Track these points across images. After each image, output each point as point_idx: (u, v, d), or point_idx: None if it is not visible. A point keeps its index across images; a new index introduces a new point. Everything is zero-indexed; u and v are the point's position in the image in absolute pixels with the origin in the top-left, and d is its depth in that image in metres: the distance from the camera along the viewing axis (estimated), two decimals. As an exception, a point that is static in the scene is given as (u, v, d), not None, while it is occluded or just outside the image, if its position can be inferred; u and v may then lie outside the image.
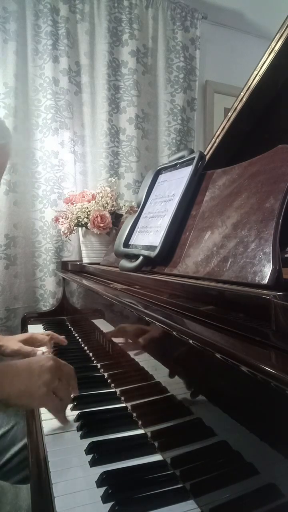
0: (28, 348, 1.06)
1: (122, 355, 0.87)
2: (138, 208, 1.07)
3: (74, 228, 1.46)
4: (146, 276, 0.81)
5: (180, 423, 0.58)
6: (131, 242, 1.00)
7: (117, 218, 1.41)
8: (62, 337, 1.19)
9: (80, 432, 0.67)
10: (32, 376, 0.67)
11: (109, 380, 0.91)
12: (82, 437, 0.66)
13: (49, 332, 1.19)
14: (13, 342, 1.07)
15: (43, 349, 1.11)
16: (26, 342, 1.09)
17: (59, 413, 0.70)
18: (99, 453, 0.60)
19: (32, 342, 1.11)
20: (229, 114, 1.12)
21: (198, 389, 0.54)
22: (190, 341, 0.48)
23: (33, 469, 0.61)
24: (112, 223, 1.39)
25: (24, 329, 1.60)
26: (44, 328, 1.51)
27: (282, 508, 0.36)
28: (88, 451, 0.62)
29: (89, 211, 1.39)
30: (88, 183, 1.93)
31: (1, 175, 0.92)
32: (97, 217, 1.36)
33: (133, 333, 0.82)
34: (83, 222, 1.40)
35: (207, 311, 0.52)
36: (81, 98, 1.90)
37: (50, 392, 0.68)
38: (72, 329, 1.49)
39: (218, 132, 1.16)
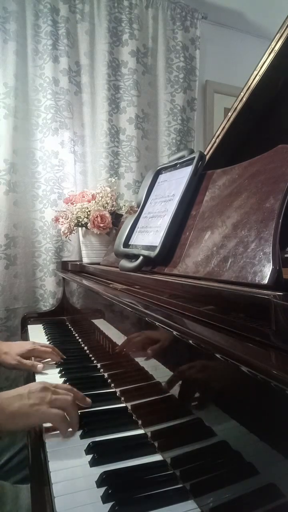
0: (27, 363, 1.01)
1: (122, 355, 0.87)
2: (138, 208, 1.07)
3: (74, 228, 1.46)
4: (146, 276, 0.81)
5: (180, 423, 0.58)
6: (131, 242, 1.00)
7: (117, 218, 1.41)
8: (58, 354, 1.09)
9: (80, 432, 0.67)
10: (22, 399, 0.65)
11: (109, 380, 0.91)
12: (82, 437, 0.66)
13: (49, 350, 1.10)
14: (11, 356, 1.03)
15: (46, 361, 1.06)
16: (27, 357, 1.04)
17: (62, 423, 0.66)
18: (99, 453, 0.60)
19: (34, 355, 1.06)
20: (229, 114, 1.12)
21: (198, 389, 0.54)
22: (190, 341, 0.48)
23: (33, 469, 0.61)
24: (112, 223, 1.38)
25: (24, 329, 1.60)
26: (44, 328, 1.52)
27: (282, 508, 0.36)
28: (88, 451, 0.62)
29: (89, 211, 1.39)
30: (88, 183, 1.93)
31: None
32: (97, 217, 1.36)
33: (133, 334, 0.82)
34: (83, 222, 1.40)
35: (207, 311, 0.52)
36: (81, 98, 1.89)
37: (44, 406, 0.65)
38: (72, 329, 1.49)
39: (218, 132, 1.16)
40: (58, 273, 1.77)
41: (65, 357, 1.09)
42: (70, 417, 0.67)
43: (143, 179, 1.16)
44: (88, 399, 0.76)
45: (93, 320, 1.17)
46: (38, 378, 0.97)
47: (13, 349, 1.05)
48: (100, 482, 0.54)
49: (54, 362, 1.07)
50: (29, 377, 1.00)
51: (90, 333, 1.22)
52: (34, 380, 0.96)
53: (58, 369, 1.01)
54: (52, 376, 0.97)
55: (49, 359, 1.07)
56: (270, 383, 0.34)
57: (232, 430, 0.45)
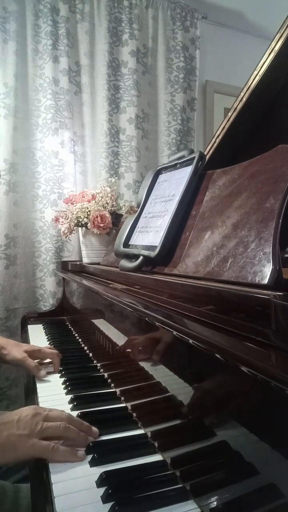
0: (31, 363, 0.97)
1: (122, 355, 0.87)
2: (138, 208, 1.07)
3: (74, 228, 1.46)
4: (146, 276, 0.81)
5: (180, 423, 0.58)
6: (131, 242, 1.00)
7: (117, 218, 1.41)
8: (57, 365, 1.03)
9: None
10: (11, 427, 0.59)
11: (109, 380, 0.91)
12: (82, 437, 0.66)
13: (56, 352, 1.06)
14: (18, 350, 1.01)
15: (49, 368, 1.02)
16: (32, 354, 1.01)
17: (54, 456, 0.59)
18: (99, 453, 0.60)
19: (38, 356, 1.03)
20: (229, 114, 1.12)
21: (198, 389, 0.54)
22: (190, 341, 0.48)
23: (33, 469, 0.61)
24: (112, 223, 1.39)
25: (24, 329, 1.60)
26: (44, 328, 1.52)
27: (282, 508, 0.36)
28: (88, 451, 0.62)
29: (89, 211, 1.39)
30: (88, 183, 1.93)
31: None
32: (97, 217, 1.36)
33: (133, 334, 0.82)
34: (83, 222, 1.40)
35: (207, 311, 0.52)
36: (81, 98, 1.90)
37: (34, 437, 0.59)
38: (72, 329, 1.49)
39: (218, 132, 1.16)
40: (58, 273, 1.77)
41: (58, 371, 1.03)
42: (69, 442, 0.62)
43: (143, 179, 1.16)
44: (95, 429, 0.66)
45: (93, 320, 1.17)
46: (38, 380, 0.96)
47: (22, 346, 1.05)
48: (100, 482, 0.54)
49: (50, 362, 1.05)
50: (29, 381, 0.99)
51: (90, 333, 1.22)
52: (34, 383, 0.95)
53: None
54: (52, 377, 0.97)
55: (51, 360, 1.05)
56: (270, 383, 0.34)
57: (232, 430, 0.45)
